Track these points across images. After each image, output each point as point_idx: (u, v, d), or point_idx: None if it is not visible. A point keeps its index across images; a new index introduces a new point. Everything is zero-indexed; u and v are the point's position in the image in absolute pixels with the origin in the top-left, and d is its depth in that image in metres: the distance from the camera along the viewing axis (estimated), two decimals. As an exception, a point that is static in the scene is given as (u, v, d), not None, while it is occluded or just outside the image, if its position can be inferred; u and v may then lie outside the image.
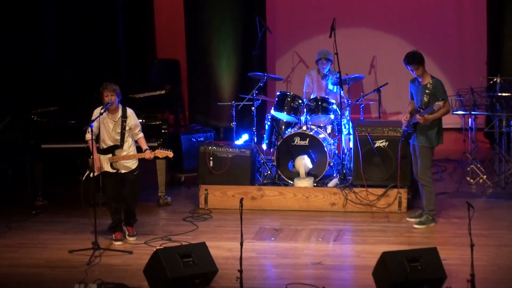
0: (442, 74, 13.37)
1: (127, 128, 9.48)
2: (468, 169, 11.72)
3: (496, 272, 8.44)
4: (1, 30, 12.44)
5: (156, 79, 14.80)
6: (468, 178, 11.68)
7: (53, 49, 13.24)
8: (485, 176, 11.58)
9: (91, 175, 9.34)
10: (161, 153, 9.46)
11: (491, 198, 11.06)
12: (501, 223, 10.05)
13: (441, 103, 9.49)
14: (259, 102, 11.79)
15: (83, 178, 9.52)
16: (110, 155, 9.45)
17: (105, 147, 9.48)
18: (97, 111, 9.44)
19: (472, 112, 11.60)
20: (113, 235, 9.63)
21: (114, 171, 9.49)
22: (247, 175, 10.99)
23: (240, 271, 7.77)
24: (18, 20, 12.59)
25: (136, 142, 9.63)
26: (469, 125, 11.85)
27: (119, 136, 9.47)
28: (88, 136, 9.39)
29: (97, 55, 13.56)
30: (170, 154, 9.49)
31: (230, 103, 11.86)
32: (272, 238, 9.71)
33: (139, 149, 9.61)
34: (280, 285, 8.26)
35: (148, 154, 9.43)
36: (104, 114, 9.36)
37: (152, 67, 15.04)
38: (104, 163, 9.45)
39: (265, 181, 11.23)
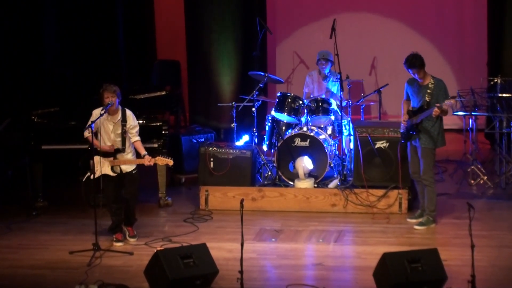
0: (442, 75, 13.30)
1: (127, 132, 9.46)
2: (469, 170, 11.71)
3: (497, 273, 8.43)
4: (1, 30, 12.43)
5: (156, 80, 14.80)
6: (468, 179, 11.67)
7: (53, 50, 13.24)
8: (485, 177, 11.57)
9: (92, 176, 9.33)
10: (161, 160, 9.40)
11: (491, 199, 11.05)
12: (501, 224, 10.04)
13: (452, 100, 9.46)
14: (260, 103, 11.78)
15: (84, 180, 9.51)
16: (111, 158, 9.43)
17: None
18: (96, 112, 9.41)
19: (473, 113, 11.59)
20: (114, 236, 9.62)
21: (115, 174, 9.46)
22: (248, 176, 10.98)
23: (241, 272, 7.77)
24: (18, 20, 12.58)
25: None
26: (470, 126, 11.84)
27: (119, 138, 9.44)
28: (87, 133, 9.36)
29: (97, 56, 13.56)
30: (170, 162, 9.43)
31: (230, 104, 11.83)
32: (273, 239, 9.70)
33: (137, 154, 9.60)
34: (280, 286, 8.26)
35: (148, 161, 9.40)
36: (104, 115, 9.34)
37: (153, 68, 15.04)
38: (105, 165, 9.45)
39: (265, 182, 11.22)
